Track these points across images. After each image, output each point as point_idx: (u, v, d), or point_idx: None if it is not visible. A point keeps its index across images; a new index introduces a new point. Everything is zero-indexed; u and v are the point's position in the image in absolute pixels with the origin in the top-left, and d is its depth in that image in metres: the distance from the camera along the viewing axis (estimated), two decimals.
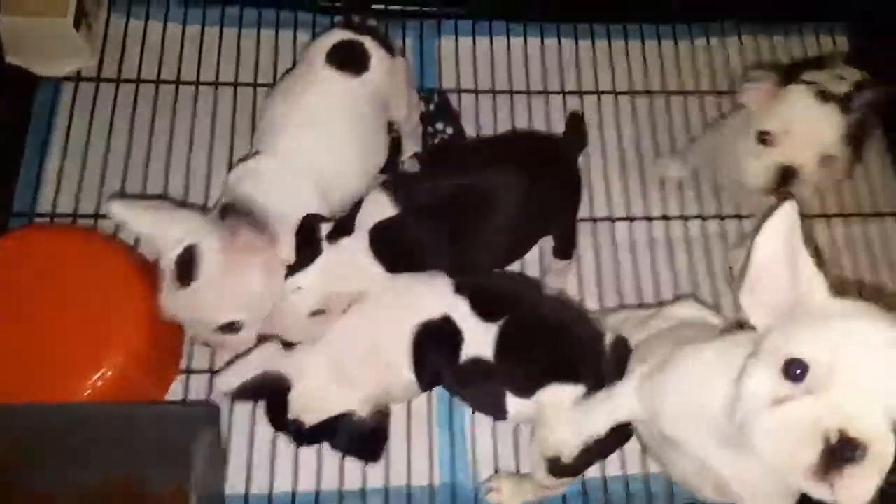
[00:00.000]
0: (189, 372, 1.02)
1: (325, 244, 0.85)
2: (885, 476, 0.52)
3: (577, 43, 1.32)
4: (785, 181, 0.93)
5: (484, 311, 0.85)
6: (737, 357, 0.62)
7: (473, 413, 1.03)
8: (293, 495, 0.96)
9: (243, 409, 0.99)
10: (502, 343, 0.83)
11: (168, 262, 0.81)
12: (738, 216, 1.20)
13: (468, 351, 0.84)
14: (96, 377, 0.87)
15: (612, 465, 1.01)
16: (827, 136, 0.92)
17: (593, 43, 1.32)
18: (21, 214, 1.09)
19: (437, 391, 1.03)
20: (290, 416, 0.84)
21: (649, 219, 1.19)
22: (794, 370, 0.54)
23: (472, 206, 0.89)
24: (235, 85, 1.21)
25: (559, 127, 1.21)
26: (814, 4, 1.37)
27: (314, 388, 0.85)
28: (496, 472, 1.00)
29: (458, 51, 1.29)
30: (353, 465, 0.97)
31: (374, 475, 0.98)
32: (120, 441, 0.82)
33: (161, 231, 0.82)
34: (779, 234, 0.59)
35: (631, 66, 1.31)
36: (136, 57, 1.21)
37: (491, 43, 1.30)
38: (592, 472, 0.97)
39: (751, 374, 0.58)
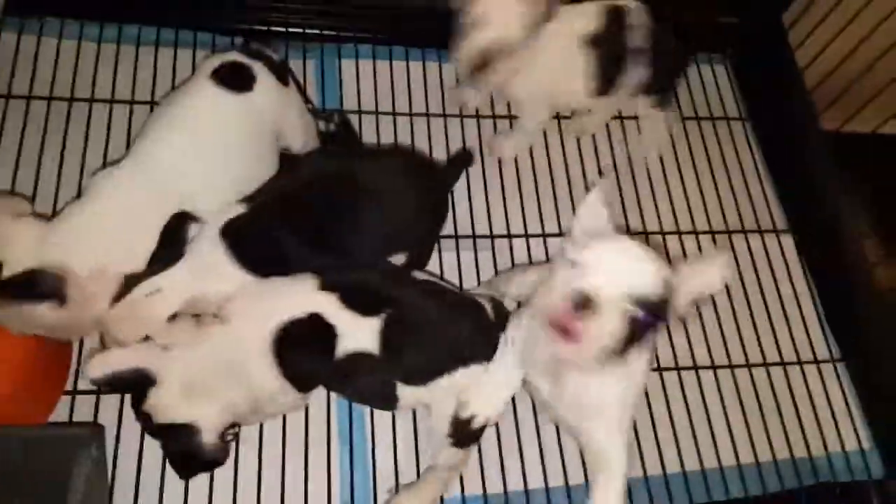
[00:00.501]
0: (75, 393, 0.99)
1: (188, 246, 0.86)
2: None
3: None
4: (485, 63, 1.00)
5: (359, 305, 0.86)
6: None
7: (372, 425, 1.04)
8: None
9: (132, 429, 0.96)
10: (388, 336, 0.85)
11: None
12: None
13: (346, 346, 0.85)
14: None
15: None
16: (512, 25, 0.99)
17: None
18: None
19: (336, 410, 1.03)
20: (144, 408, 0.84)
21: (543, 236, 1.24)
22: (574, 266, 0.71)
23: (331, 197, 0.92)
24: (111, 102, 1.20)
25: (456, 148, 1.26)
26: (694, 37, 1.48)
27: (165, 393, 0.84)
28: (396, 489, 1.00)
29: (358, 73, 1.32)
30: (247, 487, 0.96)
31: (271, 497, 0.97)
32: None
33: None
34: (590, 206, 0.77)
35: None
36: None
37: (391, 66, 1.34)
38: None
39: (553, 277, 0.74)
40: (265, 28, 1.32)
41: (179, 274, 0.85)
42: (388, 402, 0.89)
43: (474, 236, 1.20)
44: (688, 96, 1.43)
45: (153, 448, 0.93)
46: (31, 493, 0.77)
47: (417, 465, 1.03)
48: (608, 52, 1.12)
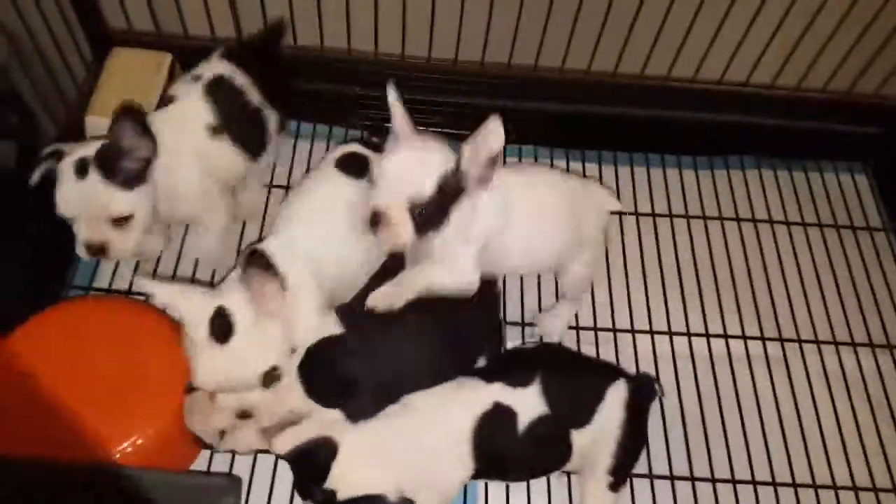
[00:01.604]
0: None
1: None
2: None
3: (600, 167, 1.42)
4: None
5: (518, 381, 0.94)
6: None
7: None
8: None
9: (261, 480, 1.01)
10: (548, 391, 0.94)
11: (198, 327, 0.87)
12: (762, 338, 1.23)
13: (523, 419, 0.92)
14: (126, 444, 0.90)
15: None
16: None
17: (616, 168, 1.42)
18: (78, 287, 1.18)
19: None
20: (327, 484, 0.86)
21: (670, 333, 1.22)
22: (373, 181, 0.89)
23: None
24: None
25: None
26: (833, 146, 1.46)
27: (357, 462, 0.87)
28: None
29: None
30: None
31: None
32: None
33: (185, 301, 0.90)
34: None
35: (652, 190, 1.40)
36: None
37: None
38: None
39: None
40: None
41: None
42: (564, 455, 0.95)
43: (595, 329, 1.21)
44: (826, 205, 1.40)
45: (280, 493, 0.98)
46: None
47: None
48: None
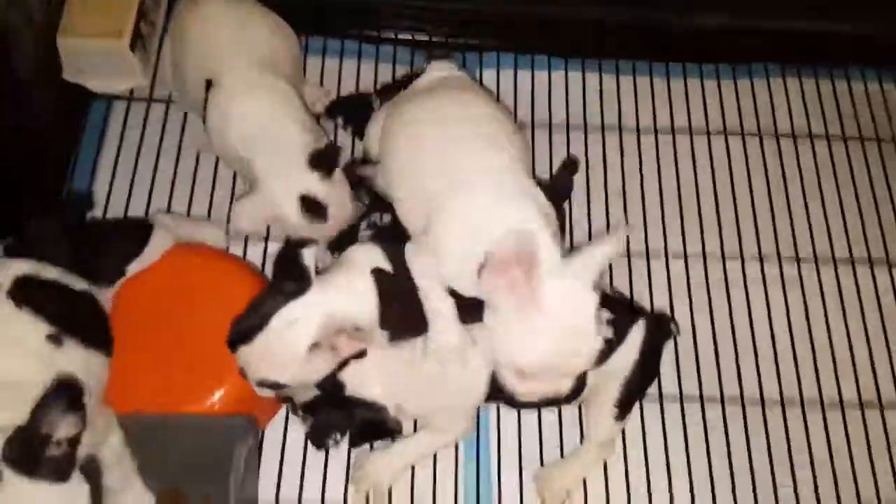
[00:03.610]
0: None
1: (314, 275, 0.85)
2: None
3: (618, 79, 1.35)
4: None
5: None
6: None
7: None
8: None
9: (275, 420, 1.04)
10: None
11: None
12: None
13: None
14: (217, 396, 0.92)
15: None
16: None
17: (634, 80, 1.35)
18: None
19: None
20: (341, 377, 0.87)
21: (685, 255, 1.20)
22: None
23: None
24: None
25: (600, 163, 1.25)
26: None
27: (371, 373, 0.89)
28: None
29: (499, 83, 1.33)
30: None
31: (400, 497, 1.00)
32: (158, 450, 0.86)
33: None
34: None
35: (672, 105, 1.33)
36: None
37: (532, 76, 1.33)
38: None
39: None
40: (410, 37, 1.36)
41: (315, 299, 0.83)
42: (578, 389, 0.91)
43: None
44: (852, 118, 1.34)
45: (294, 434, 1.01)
46: (199, 471, 0.85)
47: None
48: None
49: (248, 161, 1.00)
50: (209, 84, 1.02)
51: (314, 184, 0.98)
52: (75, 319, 0.83)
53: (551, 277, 0.76)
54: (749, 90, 1.36)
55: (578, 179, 1.23)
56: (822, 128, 1.33)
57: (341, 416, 0.91)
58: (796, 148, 1.30)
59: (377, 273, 0.86)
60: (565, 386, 0.82)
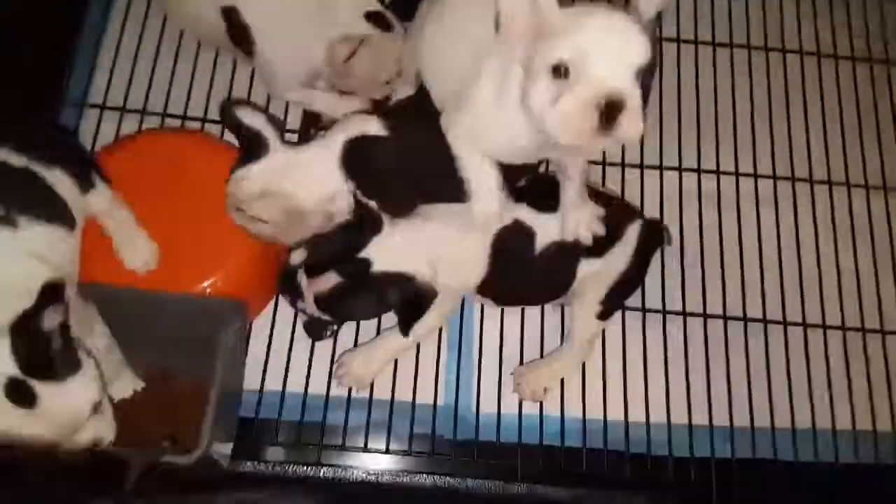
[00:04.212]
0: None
1: (279, 144, 0.93)
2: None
3: None
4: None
5: (544, 205, 0.95)
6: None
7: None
8: (305, 394, 1.01)
9: (263, 313, 1.06)
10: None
11: None
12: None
13: (541, 240, 0.95)
14: (210, 283, 0.94)
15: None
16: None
17: None
18: (73, 104, 1.14)
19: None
20: (364, 254, 0.89)
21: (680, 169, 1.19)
22: (559, 71, 0.72)
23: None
24: None
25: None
26: None
27: (395, 243, 0.91)
28: (499, 400, 1.04)
29: None
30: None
31: (382, 388, 1.03)
32: (148, 325, 0.88)
33: None
34: None
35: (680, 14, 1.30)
36: None
37: None
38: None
39: (529, 91, 0.75)
40: None
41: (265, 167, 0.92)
42: (567, 283, 0.98)
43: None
44: (863, 38, 1.31)
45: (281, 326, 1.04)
46: (187, 348, 0.87)
47: None
48: None
49: None
50: None
51: None
52: (24, 197, 0.80)
53: None
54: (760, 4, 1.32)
55: None
56: (831, 46, 1.30)
57: (374, 300, 0.92)
58: (802, 64, 1.28)
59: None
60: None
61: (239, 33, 1.04)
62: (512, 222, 0.94)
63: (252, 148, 0.93)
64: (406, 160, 0.95)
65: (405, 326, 0.91)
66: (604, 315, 1.00)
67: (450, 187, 0.92)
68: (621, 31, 0.72)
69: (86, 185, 0.88)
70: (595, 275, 0.97)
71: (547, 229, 0.95)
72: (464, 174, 0.90)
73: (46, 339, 0.68)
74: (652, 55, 0.71)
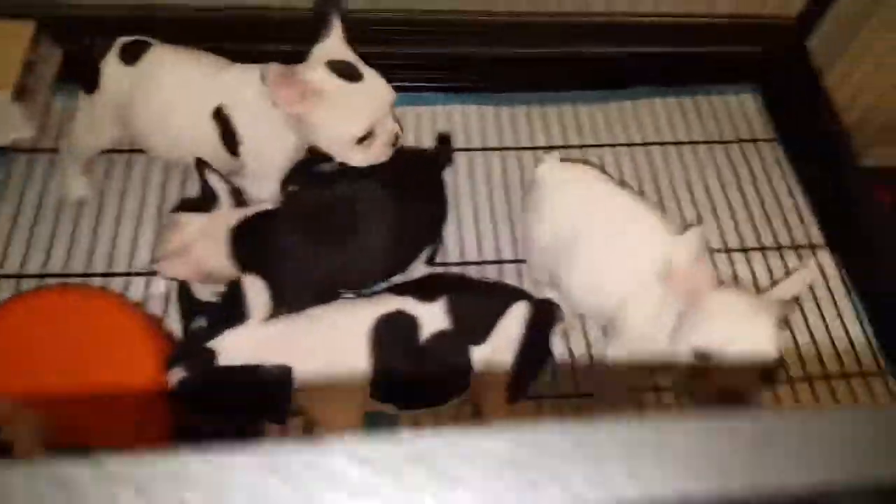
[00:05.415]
0: None
1: (227, 209, 1.01)
2: None
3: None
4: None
5: (426, 297, 0.96)
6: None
7: None
8: None
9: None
10: (454, 310, 0.95)
11: None
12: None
13: (427, 330, 0.94)
14: None
15: None
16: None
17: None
18: None
19: None
20: (211, 344, 0.86)
21: None
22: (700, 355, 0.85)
23: (339, 218, 1.00)
24: None
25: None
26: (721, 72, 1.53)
27: (247, 344, 0.88)
28: None
29: None
30: None
31: None
32: None
33: None
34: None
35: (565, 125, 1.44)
36: None
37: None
38: None
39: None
40: None
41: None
42: (465, 372, 0.96)
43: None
44: (714, 123, 1.47)
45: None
46: None
47: None
48: None
49: None
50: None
51: None
52: None
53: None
54: (616, 111, 1.48)
55: None
56: (687, 136, 1.45)
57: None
58: (665, 155, 1.42)
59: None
60: None
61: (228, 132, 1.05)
62: (394, 310, 0.93)
63: (206, 201, 1.01)
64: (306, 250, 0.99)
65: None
66: (511, 399, 0.98)
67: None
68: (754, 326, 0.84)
69: None
70: (491, 360, 0.96)
71: (432, 318, 0.94)
72: None
73: None
74: None
